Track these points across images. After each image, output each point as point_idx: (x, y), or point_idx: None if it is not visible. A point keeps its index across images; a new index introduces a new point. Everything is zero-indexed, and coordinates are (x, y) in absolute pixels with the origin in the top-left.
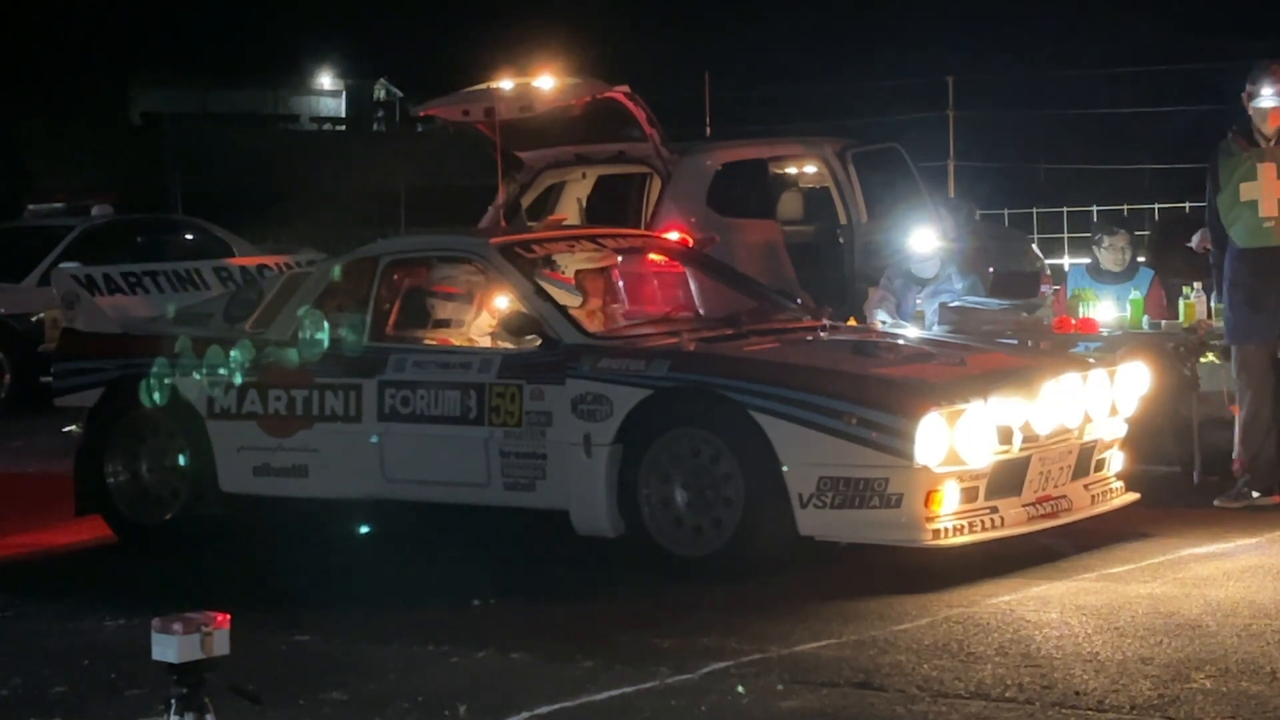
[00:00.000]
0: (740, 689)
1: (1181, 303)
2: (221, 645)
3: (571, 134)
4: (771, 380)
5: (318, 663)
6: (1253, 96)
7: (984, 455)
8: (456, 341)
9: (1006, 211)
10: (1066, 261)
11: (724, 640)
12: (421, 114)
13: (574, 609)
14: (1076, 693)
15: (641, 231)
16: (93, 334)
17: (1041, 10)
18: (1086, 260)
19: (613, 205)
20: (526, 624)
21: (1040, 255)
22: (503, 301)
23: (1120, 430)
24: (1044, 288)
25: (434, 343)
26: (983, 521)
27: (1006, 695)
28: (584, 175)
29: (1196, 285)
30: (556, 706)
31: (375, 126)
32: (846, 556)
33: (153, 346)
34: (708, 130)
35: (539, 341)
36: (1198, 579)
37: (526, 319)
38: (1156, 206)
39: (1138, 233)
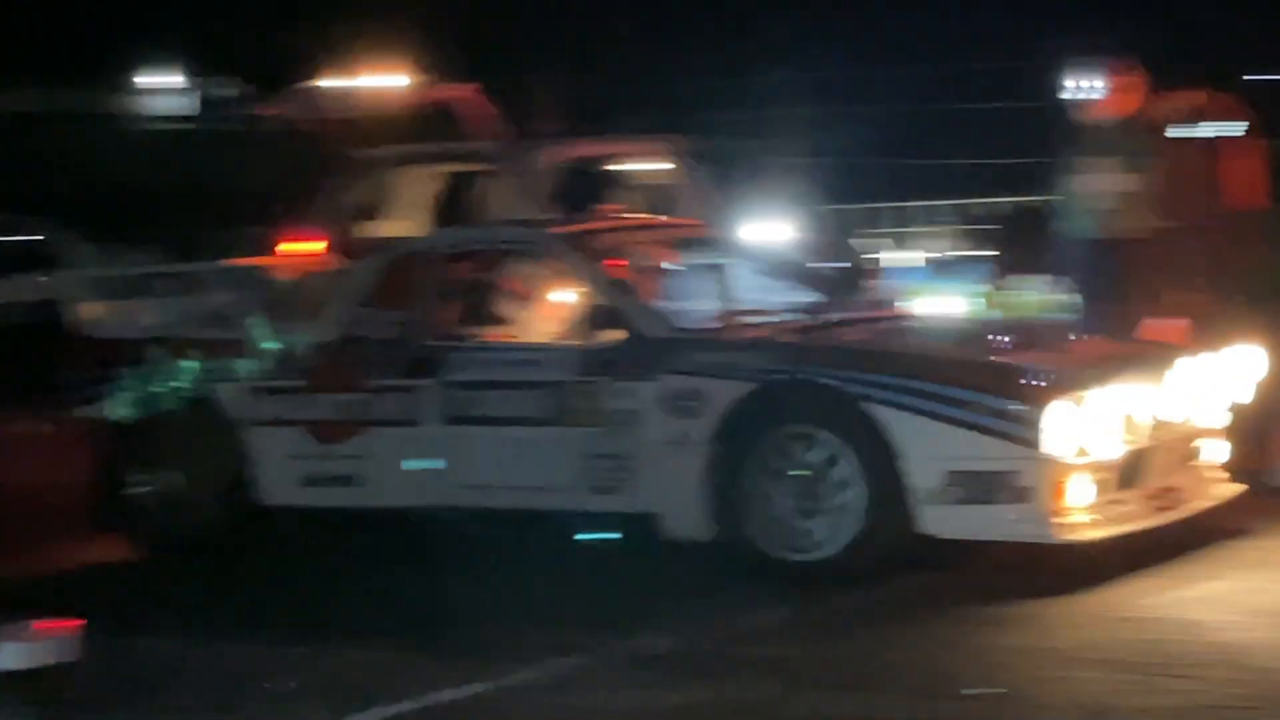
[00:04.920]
0: None
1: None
2: (68, 652)
3: (418, 132)
4: (890, 371)
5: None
6: (1070, 90)
7: (1114, 445)
8: (521, 338)
9: (845, 206)
10: (903, 256)
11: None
12: (262, 112)
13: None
14: None
15: (690, 222)
16: (110, 340)
17: (879, 4)
18: (926, 254)
19: (459, 204)
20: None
21: (869, 250)
22: (564, 295)
23: (1225, 418)
24: (874, 281)
25: (497, 340)
26: (1110, 515)
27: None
28: (430, 174)
29: (1035, 279)
30: None
31: (217, 125)
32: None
33: (179, 351)
34: (554, 127)
35: (622, 336)
36: None
37: (609, 312)
38: (1000, 200)
39: (983, 227)
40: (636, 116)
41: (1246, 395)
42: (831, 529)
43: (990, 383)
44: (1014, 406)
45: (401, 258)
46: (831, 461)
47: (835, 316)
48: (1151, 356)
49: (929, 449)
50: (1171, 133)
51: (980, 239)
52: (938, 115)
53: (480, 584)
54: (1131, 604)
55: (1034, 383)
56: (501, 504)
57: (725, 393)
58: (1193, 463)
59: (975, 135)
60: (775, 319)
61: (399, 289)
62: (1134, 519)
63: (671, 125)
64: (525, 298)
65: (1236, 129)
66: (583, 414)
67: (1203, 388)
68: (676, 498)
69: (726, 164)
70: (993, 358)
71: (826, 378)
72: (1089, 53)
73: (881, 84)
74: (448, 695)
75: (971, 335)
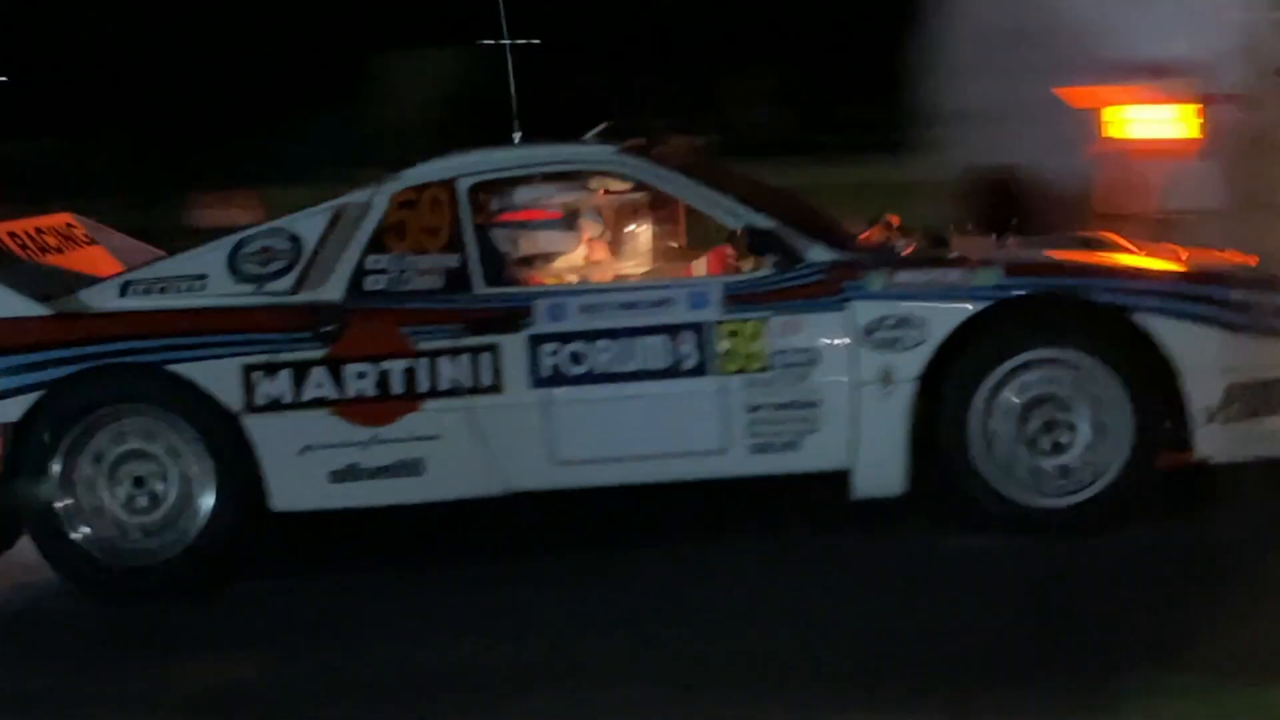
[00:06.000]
0: None
1: None
2: None
3: None
4: (1158, 276)
5: None
6: None
7: None
8: (615, 276)
9: None
10: None
11: None
12: None
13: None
14: None
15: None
16: (12, 319)
17: None
18: None
19: None
20: None
21: None
22: (646, 224)
23: None
24: None
25: (604, 280)
26: None
27: None
28: None
29: None
30: None
31: None
32: None
33: (127, 326)
34: None
35: (768, 263)
36: None
37: (764, 235)
38: None
39: None
40: None
41: None
42: (1088, 466)
43: (1266, 280)
44: None
45: (411, 190)
46: (1082, 384)
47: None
48: None
49: (1212, 360)
50: None
51: None
52: None
53: None
54: None
55: None
56: (627, 479)
57: (944, 317)
58: None
59: None
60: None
61: (419, 229)
62: None
63: None
64: (601, 229)
65: None
66: (739, 358)
67: None
68: (873, 448)
69: None
70: (1224, 257)
71: (1082, 289)
72: None
73: None
74: None
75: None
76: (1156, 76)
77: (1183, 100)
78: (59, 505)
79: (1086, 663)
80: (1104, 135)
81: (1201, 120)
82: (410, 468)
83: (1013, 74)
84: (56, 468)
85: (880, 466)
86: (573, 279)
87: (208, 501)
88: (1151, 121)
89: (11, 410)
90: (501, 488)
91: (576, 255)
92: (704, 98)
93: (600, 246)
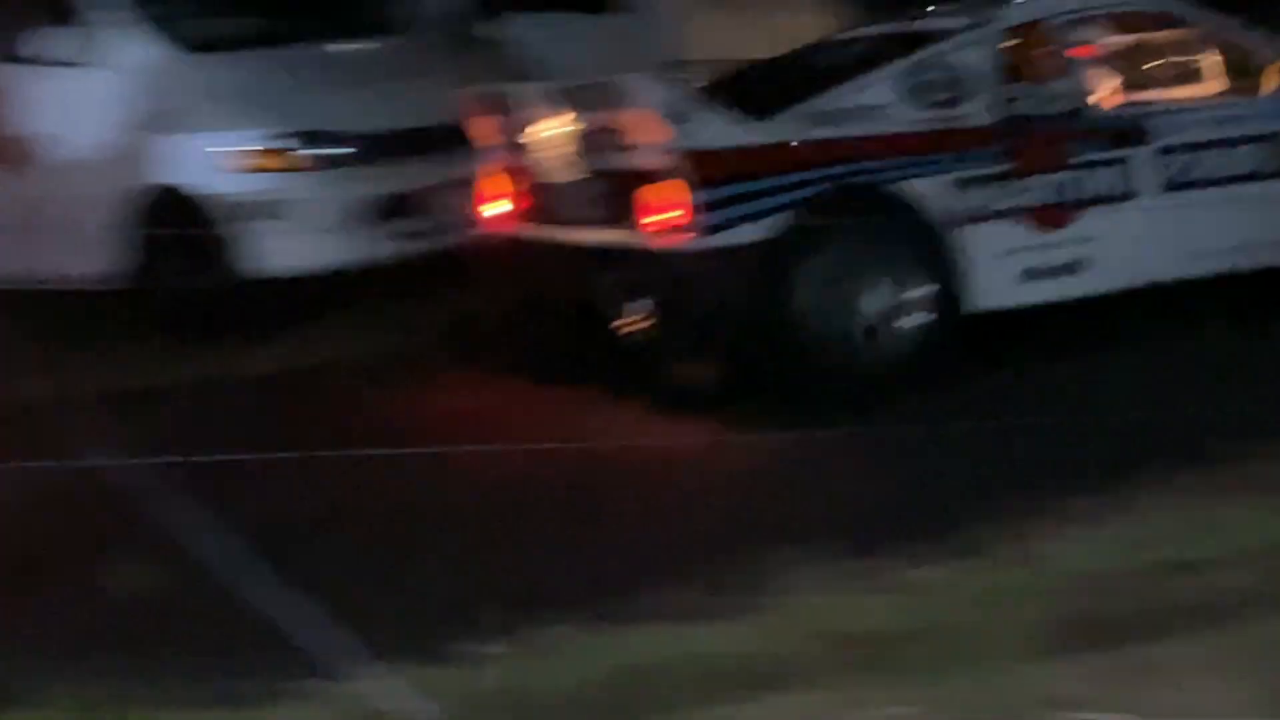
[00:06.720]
0: None
1: None
2: None
3: None
4: None
5: None
6: None
7: None
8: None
9: None
10: None
11: None
12: None
13: None
14: None
15: None
16: (762, 146)
17: None
18: None
19: None
20: None
21: None
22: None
23: None
24: None
25: (1203, 100)
26: None
27: None
28: None
29: None
30: None
31: None
32: None
33: (858, 150)
34: None
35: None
36: None
37: None
38: None
39: None
40: None
41: None
42: None
43: None
44: None
45: (1018, 27)
46: None
47: None
48: None
49: None
50: None
51: None
52: None
53: None
54: None
55: None
56: (1236, 266)
57: None
58: None
59: None
60: None
61: (1034, 59)
62: None
63: None
64: (1162, 58)
65: None
66: None
67: None
68: None
69: None
70: None
71: None
72: None
73: None
74: None
75: None
76: None
77: None
78: (798, 320)
79: None
80: None
81: None
82: (1076, 267)
83: None
84: (795, 284)
85: None
86: (1166, 100)
87: (921, 308)
88: None
89: (763, 229)
90: (1144, 280)
91: (1157, 79)
92: None
93: (1167, 71)
